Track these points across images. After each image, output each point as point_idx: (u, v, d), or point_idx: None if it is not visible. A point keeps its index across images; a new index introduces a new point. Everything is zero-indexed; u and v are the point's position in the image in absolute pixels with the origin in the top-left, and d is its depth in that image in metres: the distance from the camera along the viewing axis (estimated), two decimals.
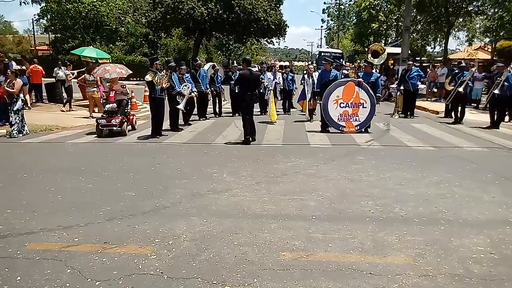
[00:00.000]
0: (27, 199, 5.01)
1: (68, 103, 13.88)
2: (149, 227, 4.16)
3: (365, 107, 10.15)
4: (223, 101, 13.95)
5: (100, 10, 26.24)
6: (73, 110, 13.59)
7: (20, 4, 27.22)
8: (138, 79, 28.30)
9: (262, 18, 35.64)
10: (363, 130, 10.10)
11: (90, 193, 5.29)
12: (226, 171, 6.38)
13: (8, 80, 9.40)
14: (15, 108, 9.23)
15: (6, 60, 14.22)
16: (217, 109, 13.10)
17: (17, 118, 9.29)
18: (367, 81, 10.34)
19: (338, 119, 10.12)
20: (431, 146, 8.51)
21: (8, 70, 10.05)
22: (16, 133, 9.26)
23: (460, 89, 11.45)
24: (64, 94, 14.81)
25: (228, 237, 3.93)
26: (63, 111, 13.37)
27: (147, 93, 12.54)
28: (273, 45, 51.66)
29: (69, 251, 3.63)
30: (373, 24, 34.00)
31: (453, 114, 12.15)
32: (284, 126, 11.19)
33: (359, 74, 12.31)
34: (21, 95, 9.57)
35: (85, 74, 12.86)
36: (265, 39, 44.36)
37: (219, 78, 13.19)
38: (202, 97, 11.92)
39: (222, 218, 4.41)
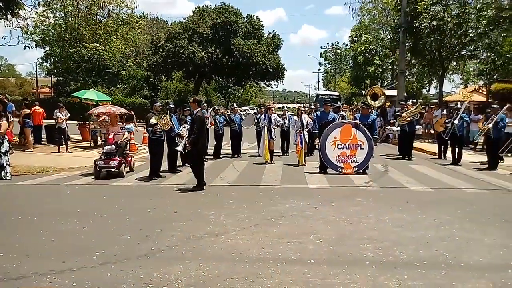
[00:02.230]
0: (20, 242, 4.92)
1: (64, 145, 13.88)
2: (144, 271, 4.06)
3: (363, 149, 10.20)
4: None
5: (103, 54, 27.02)
6: (69, 152, 13.58)
7: (24, 48, 27.94)
8: (138, 121, 28.57)
9: (260, 62, 36.63)
10: (361, 171, 10.10)
11: (85, 236, 5.20)
12: (223, 213, 6.31)
13: None
14: (3, 150, 9.15)
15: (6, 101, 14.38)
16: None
17: (7, 159, 9.22)
18: (364, 123, 10.46)
19: (336, 160, 10.15)
20: (430, 187, 8.48)
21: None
22: (10, 175, 9.19)
23: (456, 121, 11.64)
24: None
25: (224, 282, 3.83)
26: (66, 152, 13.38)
27: (146, 135, 12.63)
28: (272, 87, 52.86)
29: None
30: (369, 68, 34.91)
31: (451, 155, 12.21)
32: (282, 167, 11.19)
33: (356, 115, 12.48)
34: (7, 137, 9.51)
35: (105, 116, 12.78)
36: (263, 82, 45.39)
37: (221, 120, 13.34)
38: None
39: (218, 262, 4.32)
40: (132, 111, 17.46)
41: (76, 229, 5.46)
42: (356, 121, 10.58)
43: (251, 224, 5.73)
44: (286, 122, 13.32)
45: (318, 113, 11.61)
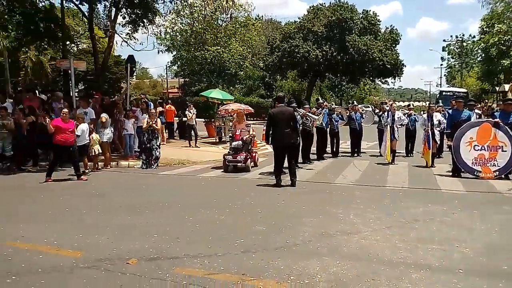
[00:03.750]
0: (170, 227, 5.46)
1: (194, 140, 15.13)
2: (283, 263, 4.18)
3: (505, 151, 9.07)
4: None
5: (223, 56, 28.76)
6: (197, 147, 14.72)
7: (158, 53, 31.20)
8: (255, 119, 29.68)
9: (377, 58, 35.15)
10: (503, 176, 9.02)
11: (224, 225, 5.57)
12: (352, 212, 6.19)
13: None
14: (158, 143, 10.42)
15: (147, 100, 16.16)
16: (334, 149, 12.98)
17: (158, 152, 10.45)
18: (506, 122, 9.31)
19: (472, 163, 9.22)
20: None
21: (152, 110, 11.39)
22: (156, 165, 10.42)
23: None
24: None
25: (365, 283, 3.74)
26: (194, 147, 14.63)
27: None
28: (388, 84, 50.33)
29: (211, 279, 3.81)
30: (504, 61, 31.09)
31: None
32: (408, 168, 10.57)
33: (495, 114, 11.16)
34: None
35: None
36: (379, 79, 43.52)
37: (338, 118, 13.16)
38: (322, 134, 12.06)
39: (356, 262, 4.24)
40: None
41: (215, 218, 5.88)
42: (496, 120, 9.46)
43: (384, 226, 5.51)
44: (411, 120, 12.55)
45: (450, 111, 10.68)
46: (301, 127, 10.71)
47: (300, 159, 10.92)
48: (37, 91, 15.72)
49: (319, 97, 13.51)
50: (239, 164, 9.89)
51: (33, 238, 4.95)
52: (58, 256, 4.39)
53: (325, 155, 12.52)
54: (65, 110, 9.12)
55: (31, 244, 4.73)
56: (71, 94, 13.36)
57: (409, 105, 14.81)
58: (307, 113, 11.12)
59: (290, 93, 43.07)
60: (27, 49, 24.74)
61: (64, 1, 15.95)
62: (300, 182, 8.63)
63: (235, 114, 11.96)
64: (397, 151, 11.75)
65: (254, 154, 10.78)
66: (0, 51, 23.80)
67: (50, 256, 4.40)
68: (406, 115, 12.62)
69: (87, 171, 9.47)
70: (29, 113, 10.02)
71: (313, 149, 11.94)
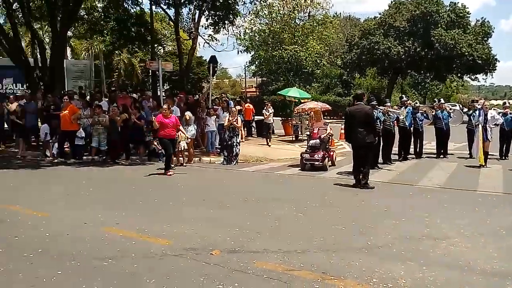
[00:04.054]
0: (250, 221, 5.60)
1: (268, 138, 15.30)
2: (364, 264, 4.08)
3: None
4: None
5: (300, 55, 28.70)
6: (273, 145, 14.86)
7: (238, 53, 32.05)
8: (332, 117, 29.24)
9: (466, 53, 32.58)
10: None
11: (302, 222, 5.58)
12: (438, 216, 5.83)
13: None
14: (238, 140, 10.74)
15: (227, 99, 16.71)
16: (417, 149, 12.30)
17: (237, 149, 10.76)
18: None
19: None
20: None
21: (232, 108, 11.74)
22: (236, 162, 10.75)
23: None
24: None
25: None
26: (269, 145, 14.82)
27: (343, 131, 12.75)
28: (478, 82, 46.48)
29: (291, 275, 3.83)
30: None
31: None
32: (503, 172, 9.69)
33: None
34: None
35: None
36: (468, 76, 40.32)
37: (422, 117, 12.43)
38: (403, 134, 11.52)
39: (444, 269, 3.99)
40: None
41: (294, 215, 5.91)
42: None
43: (476, 233, 5.11)
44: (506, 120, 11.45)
45: None
46: (381, 126, 10.33)
47: (380, 159, 10.55)
48: (125, 91, 17.04)
49: (403, 95, 12.87)
50: (316, 162, 9.81)
51: (126, 226, 5.37)
52: (148, 244, 4.72)
53: (408, 155, 11.93)
54: (165, 106, 9.63)
55: (124, 231, 5.14)
56: (159, 94, 14.26)
57: (504, 103, 13.51)
58: (389, 109, 10.70)
59: (369, 91, 41.72)
60: (120, 52, 26.87)
61: (153, 7, 17.05)
62: (380, 183, 8.35)
63: (313, 112, 11.88)
64: (490, 153, 10.82)
65: (331, 153, 10.63)
66: (97, 55, 26.20)
67: (141, 243, 4.74)
68: (501, 114, 11.56)
69: (173, 165, 10.04)
70: (122, 111, 10.88)
71: (395, 149, 11.43)
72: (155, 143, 10.94)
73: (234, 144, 10.89)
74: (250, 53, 39.39)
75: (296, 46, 29.90)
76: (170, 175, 8.90)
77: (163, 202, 6.78)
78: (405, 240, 4.83)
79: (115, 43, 18.42)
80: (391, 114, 10.74)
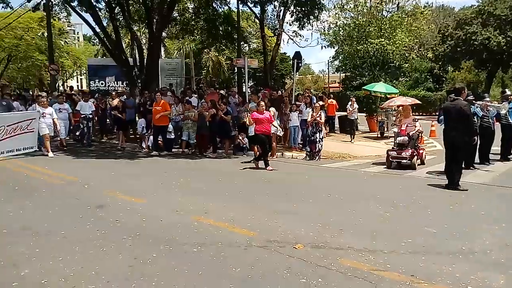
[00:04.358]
0: (333, 217, 5.54)
1: (352, 134, 14.90)
2: (458, 270, 3.82)
3: None
4: None
5: (387, 48, 27.42)
6: (357, 141, 14.45)
7: (322, 48, 31.63)
8: (420, 113, 27.59)
9: None
10: None
11: (389, 221, 5.37)
12: None
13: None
14: (321, 136, 10.65)
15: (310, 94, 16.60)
16: None
17: (320, 145, 10.67)
18: None
19: None
20: None
21: (316, 104, 11.66)
22: (318, 157, 10.67)
23: None
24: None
25: None
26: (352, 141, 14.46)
27: (434, 128, 11.94)
28: None
29: (377, 275, 3.73)
30: None
31: None
32: None
33: None
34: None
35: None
36: None
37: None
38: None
39: None
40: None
41: (379, 214, 5.71)
42: None
43: None
44: None
45: None
46: (479, 123, 9.51)
47: (476, 159, 9.73)
48: (213, 87, 17.77)
49: (506, 89, 11.67)
50: (404, 160, 9.35)
51: (213, 215, 5.63)
52: (234, 234, 4.90)
53: (510, 156, 10.81)
54: (262, 103, 9.85)
55: (212, 220, 5.39)
56: (244, 90, 14.66)
57: None
58: (488, 104, 9.81)
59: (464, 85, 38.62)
60: (208, 51, 28.11)
61: (240, 5, 17.55)
62: (477, 185, 7.71)
63: (401, 107, 11.32)
64: None
65: (421, 151, 10.04)
66: (187, 53, 27.67)
67: (227, 233, 4.94)
68: None
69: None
70: (210, 107, 11.39)
71: (494, 148, 10.43)
72: (240, 138, 11.30)
73: (317, 139, 10.81)
74: (334, 48, 38.63)
75: (383, 40, 28.62)
76: (271, 170, 9.04)
77: (247, 194, 6.98)
78: (506, 248, 4.43)
79: (204, 42, 19.31)
80: (491, 109, 9.84)
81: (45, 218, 5.51)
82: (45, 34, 21.83)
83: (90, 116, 12.86)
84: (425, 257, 4.14)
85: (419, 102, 12.29)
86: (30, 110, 11.51)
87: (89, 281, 3.66)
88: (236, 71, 23.01)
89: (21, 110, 11.92)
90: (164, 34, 19.17)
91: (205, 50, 26.73)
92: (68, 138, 12.96)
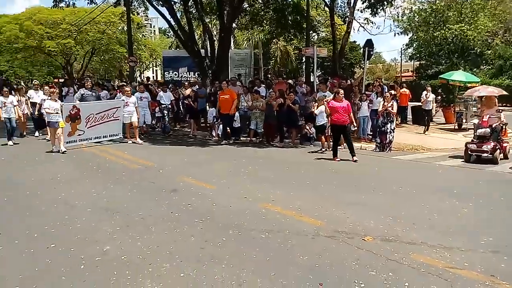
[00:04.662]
0: (404, 211, 5.33)
1: (426, 126, 14.10)
2: None
3: None
4: None
5: (467, 34, 25.49)
6: (431, 133, 13.66)
7: (394, 35, 30.25)
8: (504, 104, 25.38)
9: None
10: None
11: (466, 218, 5.07)
12: None
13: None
14: (392, 127, 10.24)
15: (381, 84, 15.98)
16: None
17: (391, 135, 10.26)
18: None
19: None
20: None
21: (387, 93, 11.21)
22: (389, 149, 10.27)
23: None
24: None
25: None
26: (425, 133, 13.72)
27: None
28: None
29: (453, 273, 3.55)
30: None
31: None
32: None
33: None
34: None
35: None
36: None
37: None
38: None
39: None
40: None
41: (456, 209, 5.40)
42: None
43: None
44: None
45: None
46: None
47: None
48: (281, 77, 17.76)
49: None
50: (484, 154, 8.68)
51: (280, 203, 5.69)
52: (301, 222, 4.93)
53: None
54: (341, 91, 9.53)
55: (279, 208, 5.46)
56: (312, 79, 14.49)
57: None
58: None
59: None
60: (277, 41, 28.11)
61: None
62: None
63: (484, 97, 10.49)
64: None
65: (504, 145, 9.25)
66: (256, 44, 27.88)
67: (295, 221, 4.98)
68: None
69: (323, 149, 10.15)
70: (278, 96, 11.43)
71: None
72: (307, 128, 11.22)
73: (388, 130, 10.40)
74: (407, 35, 36.72)
75: (463, 25, 26.69)
76: (356, 161, 8.90)
77: (315, 184, 6.95)
78: None
79: (273, 32, 19.32)
80: None
81: (124, 199, 5.95)
82: (125, 28, 23.21)
83: (169, 105, 13.55)
84: (508, 257, 3.86)
85: (505, 93, 11.27)
86: (116, 99, 12.35)
87: (164, 260, 3.90)
88: (304, 60, 22.73)
89: (108, 99, 12.81)
90: (234, 25, 19.46)
91: (273, 40, 26.76)
92: (145, 126, 13.66)
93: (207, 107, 13.62)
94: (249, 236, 4.50)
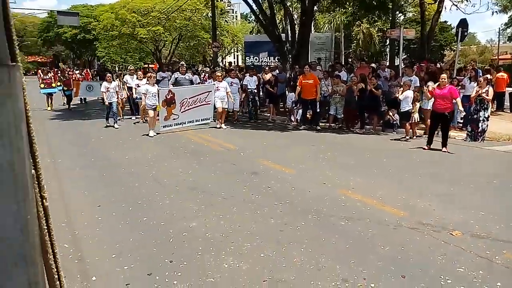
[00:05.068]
0: (500, 207, 4.94)
1: None
2: None
3: None
4: None
5: None
6: None
7: (492, 14, 27.44)
8: None
9: None
10: None
11: None
12: None
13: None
14: (487, 115, 9.43)
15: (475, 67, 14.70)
16: None
17: (485, 124, 9.44)
18: None
19: None
20: None
21: (481, 77, 10.29)
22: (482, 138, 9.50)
23: None
24: None
25: None
26: None
27: None
28: None
29: None
30: None
31: None
32: None
33: None
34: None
35: None
36: None
37: None
38: None
39: None
40: None
41: None
42: None
43: None
44: None
45: None
46: None
47: None
48: (363, 61, 17.07)
49: None
50: None
51: (361, 191, 5.58)
52: (382, 212, 4.80)
53: None
54: (444, 75, 8.95)
55: (360, 196, 5.36)
56: (396, 63, 13.77)
57: None
58: None
59: None
60: (360, 23, 27.06)
61: None
62: None
63: None
64: None
65: None
66: (337, 27, 27.12)
67: (376, 210, 4.86)
68: None
69: (407, 137, 9.68)
70: (360, 81, 11.06)
71: None
72: (391, 114, 10.75)
73: (481, 118, 9.57)
74: (507, 14, 33.09)
75: None
76: (446, 152, 8.45)
77: (397, 173, 6.69)
78: None
79: (356, 13, 18.61)
80: None
81: (208, 179, 6.26)
82: (209, 14, 23.92)
83: (255, 90, 13.67)
84: None
85: None
86: (207, 84, 12.83)
87: (245, 239, 4.07)
88: (388, 43, 21.62)
89: (199, 83, 13.34)
90: (315, 8, 19.07)
91: (356, 23, 25.77)
92: (236, 112, 13.87)
93: (286, 91, 13.64)
94: (329, 222, 4.50)
